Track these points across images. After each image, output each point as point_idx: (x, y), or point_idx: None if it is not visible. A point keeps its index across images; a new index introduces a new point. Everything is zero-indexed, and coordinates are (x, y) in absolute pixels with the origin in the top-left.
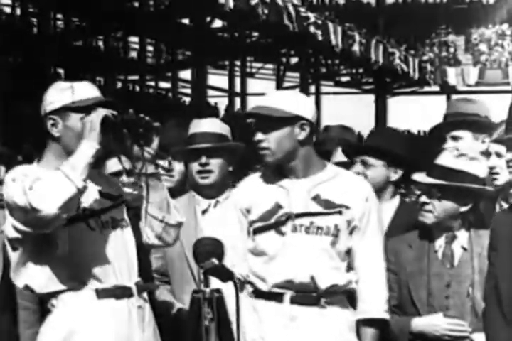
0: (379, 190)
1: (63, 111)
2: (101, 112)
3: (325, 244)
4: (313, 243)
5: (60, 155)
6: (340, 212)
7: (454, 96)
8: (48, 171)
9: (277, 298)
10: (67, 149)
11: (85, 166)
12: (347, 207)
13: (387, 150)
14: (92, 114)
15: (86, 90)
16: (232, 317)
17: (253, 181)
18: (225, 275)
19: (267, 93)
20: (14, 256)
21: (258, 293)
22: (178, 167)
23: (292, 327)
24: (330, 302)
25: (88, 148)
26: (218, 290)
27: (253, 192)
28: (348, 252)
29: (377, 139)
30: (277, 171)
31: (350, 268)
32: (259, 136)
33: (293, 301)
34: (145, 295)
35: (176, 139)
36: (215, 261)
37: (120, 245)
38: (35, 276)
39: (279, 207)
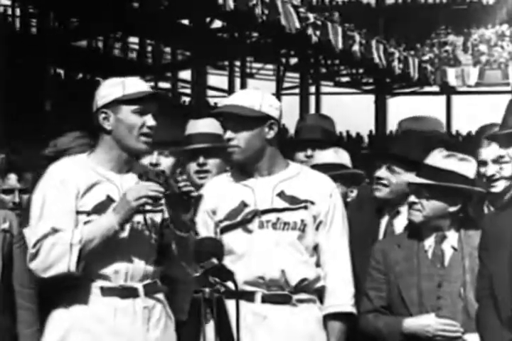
0: (402, 198)
1: (115, 104)
2: (143, 192)
3: (292, 238)
4: (280, 238)
5: (111, 148)
6: (305, 207)
7: (454, 97)
8: (64, 232)
9: (248, 297)
10: (119, 141)
11: (95, 245)
12: (312, 203)
13: (413, 160)
14: (137, 187)
15: (136, 84)
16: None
17: (218, 182)
18: (225, 275)
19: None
20: None
21: (229, 293)
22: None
23: (264, 326)
24: (301, 301)
25: (110, 228)
26: (218, 291)
27: (218, 193)
28: (316, 248)
29: (402, 148)
30: (242, 171)
31: (318, 265)
32: (228, 134)
33: (264, 300)
34: (158, 296)
35: (166, 136)
36: (214, 261)
37: (141, 246)
38: None
39: (244, 205)
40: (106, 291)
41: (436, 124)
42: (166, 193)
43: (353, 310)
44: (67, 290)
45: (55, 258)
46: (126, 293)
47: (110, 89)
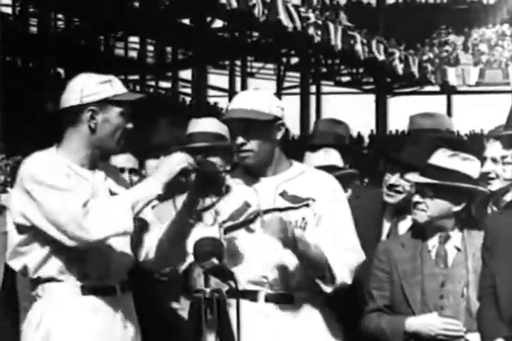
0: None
1: (104, 103)
2: (182, 159)
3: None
4: None
5: (87, 145)
6: (307, 205)
7: (455, 96)
8: (105, 199)
9: (251, 296)
10: (98, 140)
11: (142, 207)
12: (313, 200)
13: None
14: (174, 156)
15: (121, 85)
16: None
17: None
18: (225, 275)
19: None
20: (18, 238)
21: (231, 293)
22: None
23: (267, 326)
24: (304, 301)
25: (152, 191)
26: (218, 291)
27: None
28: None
29: (414, 156)
30: (246, 171)
31: None
32: (241, 139)
33: (267, 299)
34: (129, 294)
35: (168, 138)
36: (215, 261)
37: (119, 245)
38: (33, 259)
39: (247, 205)
40: (85, 290)
41: (448, 122)
42: (198, 169)
43: (344, 279)
44: (47, 290)
45: (109, 219)
46: (105, 291)
47: (100, 86)
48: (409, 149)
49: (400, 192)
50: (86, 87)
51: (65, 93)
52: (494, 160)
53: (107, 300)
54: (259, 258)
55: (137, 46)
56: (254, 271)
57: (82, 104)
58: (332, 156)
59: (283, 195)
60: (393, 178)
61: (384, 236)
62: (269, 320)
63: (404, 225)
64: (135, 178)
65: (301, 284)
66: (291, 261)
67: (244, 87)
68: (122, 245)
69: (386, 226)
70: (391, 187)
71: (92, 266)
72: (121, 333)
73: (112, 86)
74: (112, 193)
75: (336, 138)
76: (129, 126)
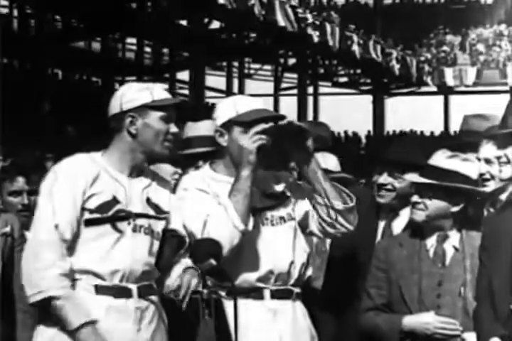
0: (406, 199)
1: (143, 109)
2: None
3: (291, 229)
4: (280, 232)
5: (129, 151)
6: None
7: (452, 97)
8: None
9: (258, 293)
10: (142, 145)
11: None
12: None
13: (411, 163)
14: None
15: (162, 91)
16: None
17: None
18: (223, 276)
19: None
20: None
21: (230, 293)
22: (168, 169)
23: (274, 322)
24: (298, 295)
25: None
26: (216, 292)
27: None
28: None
29: (400, 153)
30: (229, 166)
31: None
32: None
33: (273, 296)
34: (152, 298)
35: None
36: (212, 261)
37: (141, 249)
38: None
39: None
40: (100, 290)
41: None
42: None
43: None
44: None
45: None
46: (120, 292)
47: (138, 93)
48: (395, 148)
49: (390, 191)
50: (125, 95)
51: (110, 103)
52: (488, 161)
53: (121, 302)
54: (265, 253)
55: (134, 47)
56: (261, 267)
57: (122, 111)
58: (328, 160)
59: (270, 195)
60: (381, 178)
61: (379, 236)
62: (279, 317)
63: (397, 224)
64: None
65: (300, 274)
66: (292, 255)
67: (241, 88)
68: (144, 251)
69: (380, 226)
70: (380, 186)
71: (106, 267)
72: (133, 336)
73: (151, 92)
74: (151, 203)
75: (315, 139)
76: (173, 130)
